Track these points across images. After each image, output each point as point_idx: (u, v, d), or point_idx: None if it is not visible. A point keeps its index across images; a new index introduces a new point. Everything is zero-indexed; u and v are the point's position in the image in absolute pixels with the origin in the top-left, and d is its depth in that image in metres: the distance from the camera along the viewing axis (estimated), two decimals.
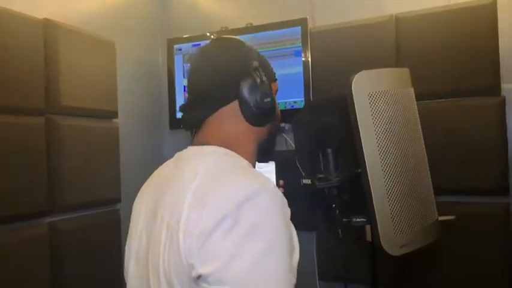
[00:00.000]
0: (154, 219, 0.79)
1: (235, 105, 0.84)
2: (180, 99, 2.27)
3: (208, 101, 0.85)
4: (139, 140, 2.33)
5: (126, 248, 0.89)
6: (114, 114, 2.08)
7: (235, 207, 0.66)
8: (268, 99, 0.84)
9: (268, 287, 0.64)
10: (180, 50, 2.27)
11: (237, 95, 0.83)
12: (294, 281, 0.69)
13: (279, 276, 0.65)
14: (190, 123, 0.90)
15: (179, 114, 2.27)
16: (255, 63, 0.85)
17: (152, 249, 0.77)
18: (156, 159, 2.28)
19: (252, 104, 0.83)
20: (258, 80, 0.84)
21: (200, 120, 0.87)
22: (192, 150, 0.86)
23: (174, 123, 2.29)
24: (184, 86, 2.26)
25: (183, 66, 2.26)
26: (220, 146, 0.83)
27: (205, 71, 0.86)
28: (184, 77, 2.26)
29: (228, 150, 0.82)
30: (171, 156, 0.93)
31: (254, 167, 0.90)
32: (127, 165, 2.14)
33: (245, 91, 0.83)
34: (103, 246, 1.93)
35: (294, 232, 0.75)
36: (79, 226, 1.83)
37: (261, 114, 0.85)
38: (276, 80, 0.96)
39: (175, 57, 2.28)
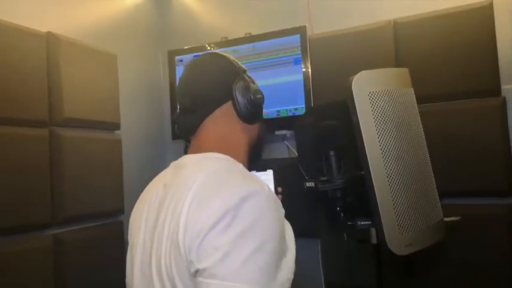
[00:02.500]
0: (155, 226, 0.82)
1: (229, 105, 0.91)
2: None
3: (206, 103, 0.91)
4: (142, 151, 2.34)
5: (128, 259, 0.92)
6: (116, 126, 2.10)
7: (233, 207, 0.70)
8: (260, 95, 0.92)
9: (255, 281, 0.67)
10: (181, 61, 2.29)
11: (231, 95, 0.91)
12: (290, 276, 0.75)
13: (267, 273, 0.69)
14: (187, 129, 0.94)
15: None
16: (244, 68, 0.94)
17: (155, 253, 0.79)
18: (158, 170, 2.24)
19: (245, 101, 0.91)
20: (249, 80, 0.93)
21: (197, 124, 0.92)
22: (189, 158, 0.89)
23: (176, 134, 2.30)
24: None
25: None
26: (216, 149, 0.88)
27: (201, 76, 0.94)
28: None
29: (226, 156, 0.87)
30: None
31: (247, 168, 0.94)
32: (130, 177, 2.14)
33: (238, 91, 0.91)
34: (107, 258, 1.92)
35: (290, 232, 0.80)
36: (83, 238, 1.83)
37: (254, 110, 0.91)
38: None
39: (177, 68, 2.30)
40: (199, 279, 0.69)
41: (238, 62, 0.97)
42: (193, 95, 0.93)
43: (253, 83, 0.95)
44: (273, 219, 0.74)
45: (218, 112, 0.91)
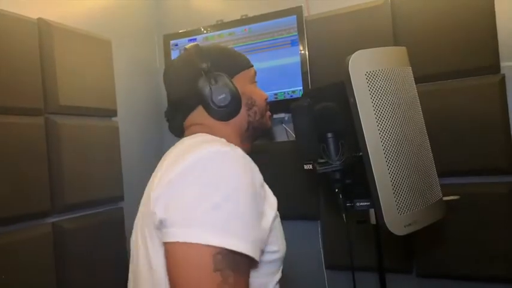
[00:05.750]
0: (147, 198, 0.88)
1: (201, 108, 0.93)
2: None
3: (180, 110, 0.97)
4: (140, 137, 2.33)
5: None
6: (113, 113, 2.08)
7: (199, 161, 0.73)
8: (222, 96, 0.90)
9: (217, 232, 0.68)
10: (177, 45, 2.26)
11: (199, 101, 0.92)
12: (263, 236, 0.76)
13: (234, 225, 0.70)
14: (174, 130, 1.01)
15: None
16: (204, 66, 0.91)
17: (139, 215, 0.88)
18: (157, 155, 2.24)
19: (212, 105, 0.91)
20: (209, 81, 0.90)
21: (180, 125, 0.98)
22: (180, 140, 0.95)
23: None
24: None
25: None
26: (203, 133, 0.92)
27: (171, 85, 0.99)
28: None
29: (208, 134, 0.91)
30: None
31: (248, 146, 0.98)
32: (128, 163, 2.13)
33: (203, 96, 0.91)
34: (107, 245, 1.92)
35: (271, 199, 0.81)
36: (83, 225, 1.83)
37: (225, 110, 0.92)
38: (248, 67, 1.00)
39: (172, 53, 2.27)
40: (164, 230, 0.72)
41: (204, 52, 0.94)
42: (169, 100, 1.00)
43: (215, 80, 0.91)
44: (244, 176, 0.74)
45: (194, 114, 0.95)
